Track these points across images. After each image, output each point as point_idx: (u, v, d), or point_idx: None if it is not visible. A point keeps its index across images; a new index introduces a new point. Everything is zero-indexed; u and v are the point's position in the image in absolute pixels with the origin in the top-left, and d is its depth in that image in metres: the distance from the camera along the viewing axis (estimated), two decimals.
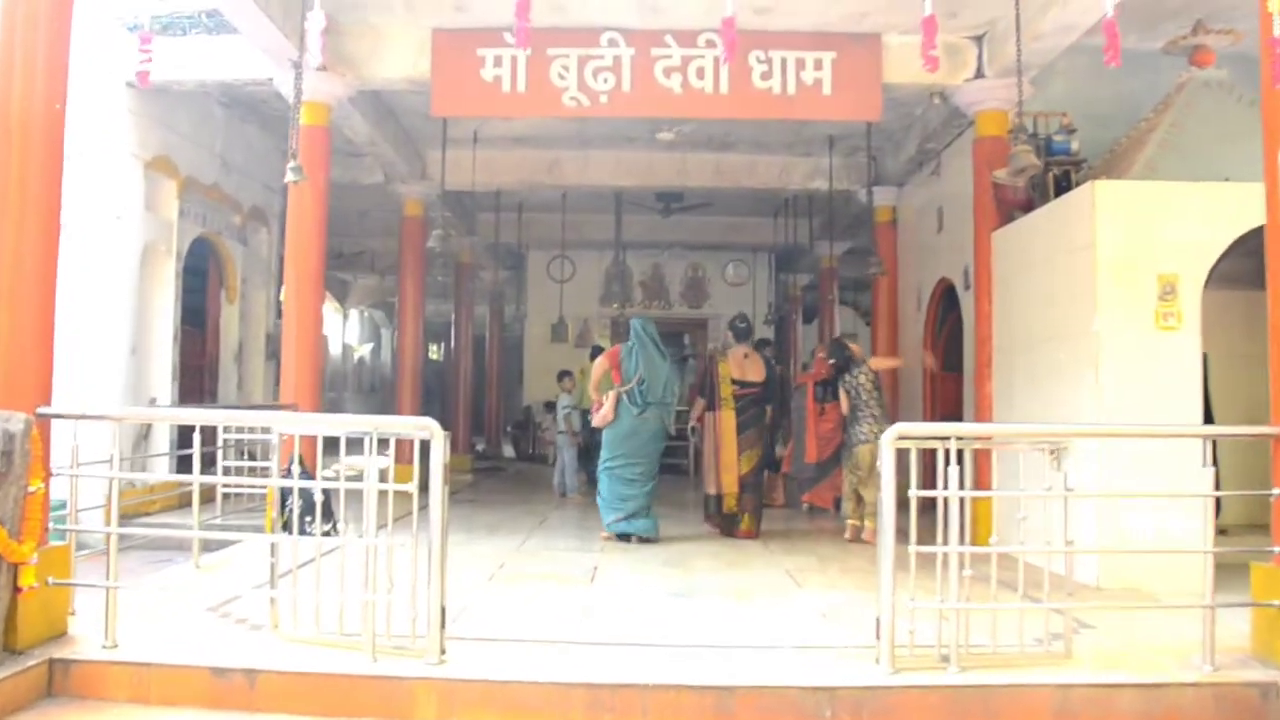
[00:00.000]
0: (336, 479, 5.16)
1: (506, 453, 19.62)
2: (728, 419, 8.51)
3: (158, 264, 9.41)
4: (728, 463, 8.48)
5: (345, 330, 25.84)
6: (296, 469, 7.82)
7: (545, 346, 19.25)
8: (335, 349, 25.57)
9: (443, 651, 4.34)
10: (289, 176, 6.91)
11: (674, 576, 6.73)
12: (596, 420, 8.53)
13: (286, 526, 8.02)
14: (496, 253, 16.85)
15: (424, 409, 21.11)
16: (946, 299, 10.85)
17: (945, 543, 4.50)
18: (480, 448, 19.18)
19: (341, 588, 4.63)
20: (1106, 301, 6.42)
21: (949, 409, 10.93)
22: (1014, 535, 4.83)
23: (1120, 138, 7.79)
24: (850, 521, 8.62)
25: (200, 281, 11.27)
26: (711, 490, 8.64)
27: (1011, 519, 5.05)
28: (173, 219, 9.60)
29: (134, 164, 9.03)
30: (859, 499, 8.57)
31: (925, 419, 11.03)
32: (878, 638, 4.38)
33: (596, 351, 9.31)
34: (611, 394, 8.29)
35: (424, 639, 4.35)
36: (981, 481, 5.06)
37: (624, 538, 8.22)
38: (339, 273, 22.46)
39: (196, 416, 7.35)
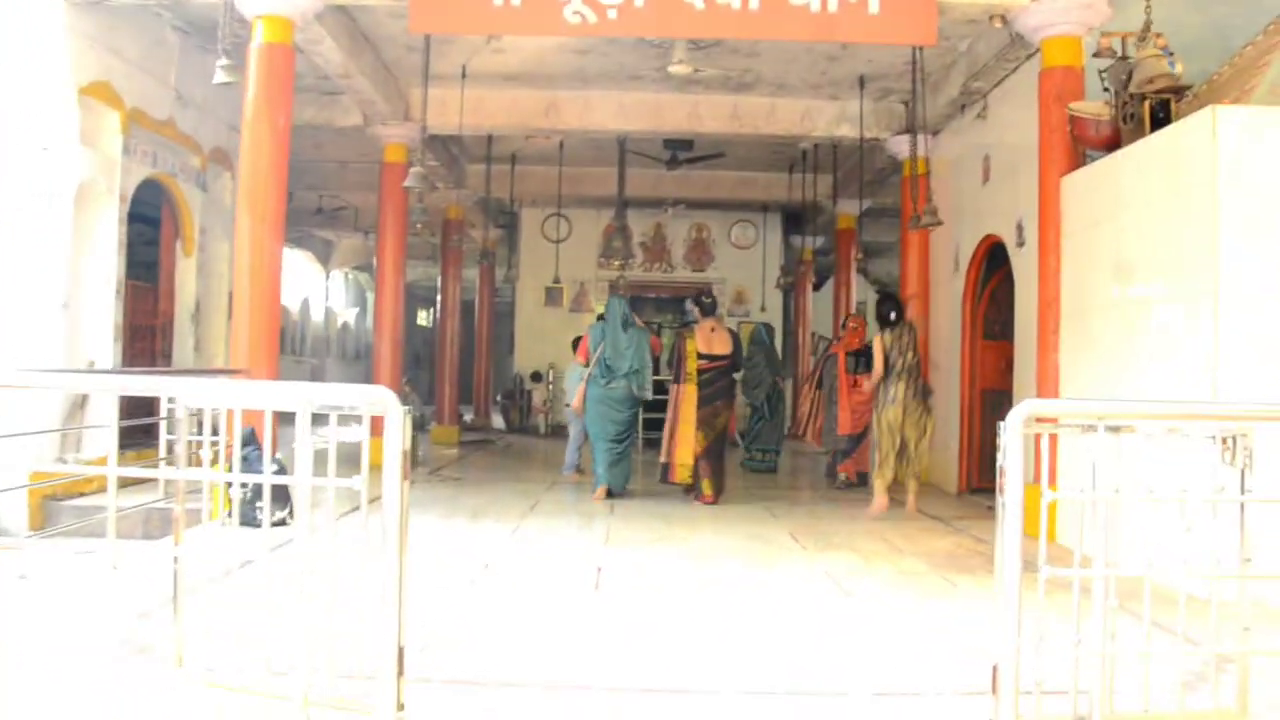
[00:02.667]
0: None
1: (496, 424, 18.48)
2: (689, 393, 8.91)
3: (96, 206, 8.17)
4: (684, 435, 8.89)
5: (328, 293, 24.58)
6: (237, 449, 6.68)
7: (539, 311, 18.08)
8: (317, 313, 24.34)
9: (400, 707, 3.18)
10: (218, 77, 5.70)
11: (696, 579, 5.59)
12: (574, 404, 9.61)
13: (231, 515, 6.92)
14: (487, 208, 15.62)
15: (412, 377, 20.00)
16: (990, 259, 9.68)
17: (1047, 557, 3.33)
18: (468, 419, 18.03)
19: (275, 606, 3.46)
20: (1230, 253, 5.26)
21: (990, 381, 9.81)
22: (1101, 544, 3.67)
23: (1213, 69, 6.62)
24: (878, 497, 8.30)
25: (154, 231, 10.05)
26: (663, 458, 9.07)
27: (1071, 521, 3.88)
28: (115, 155, 8.34)
29: (66, 88, 7.78)
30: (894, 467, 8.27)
31: (963, 393, 9.90)
32: (994, 691, 3.24)
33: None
34: (580, 383, 9.37)
35: (377, 681, 3.19)
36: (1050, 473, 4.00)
37: (612, 495, 8.95)
38: (319, 231, 21.22)
39: (84, 383, 6.17)
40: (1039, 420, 3.41)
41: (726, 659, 4.08)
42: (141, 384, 5.35)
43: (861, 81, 10.40)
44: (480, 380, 18.73)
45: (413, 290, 28.52)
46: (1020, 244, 8.49)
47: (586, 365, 9.81)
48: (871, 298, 20.39)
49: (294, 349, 22.81)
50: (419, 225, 9.92)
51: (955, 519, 8.14)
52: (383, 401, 3.20)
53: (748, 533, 7.26)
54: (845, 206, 14.60)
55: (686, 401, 8.91)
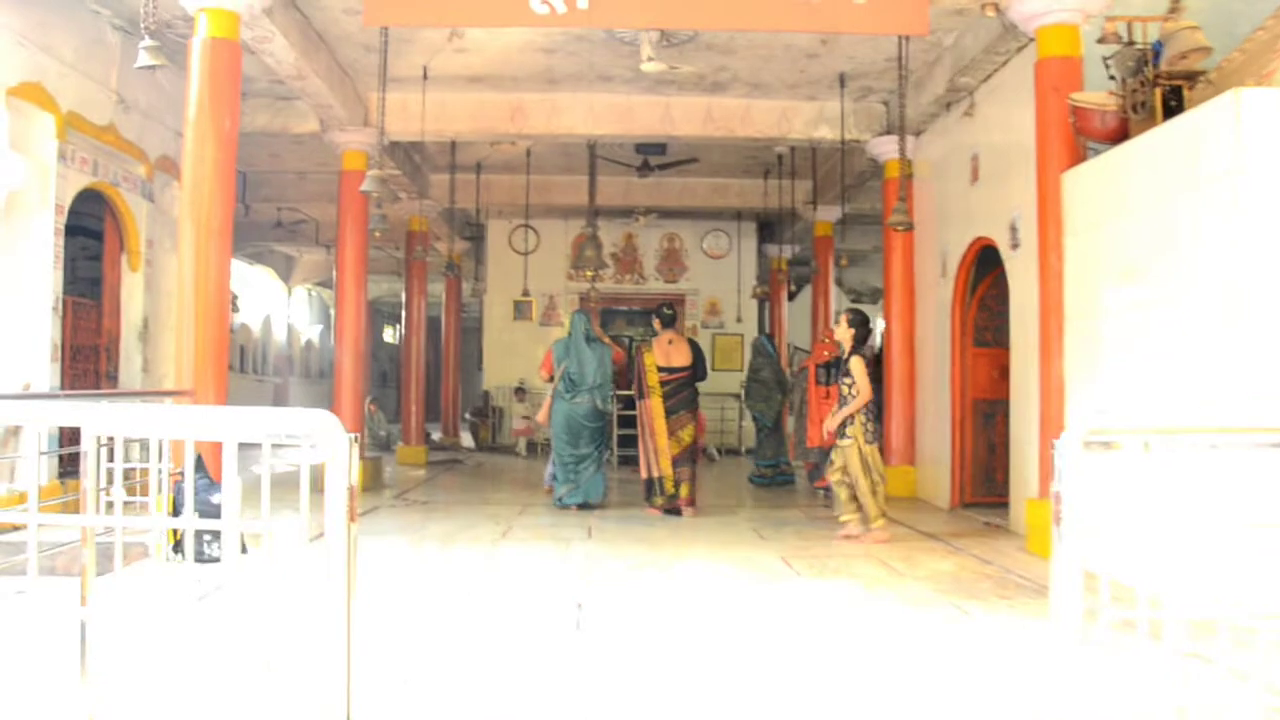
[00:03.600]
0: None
1: (466, 442, 17.90)
2: (656, 406, 9.01)
3: (28, 216, 7.58)
4: (660, 447, 8.96)
5: (290, 310, 23.92)
6: (189, 478, 6.18)
7: (507, 325, 17.58)
8: (280, 331, 23.66)
9: None
10: (141, 59, 5.16)
11: (685, 615, 5.08)
12: (540, 417, 9.89)
13: (179, 549, 6.36)
14: (451, 219, 15.07)
15: (377, 396, 19.39)
16: (980, 262, 9.27)
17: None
18: (436, 437, 17.45)
19: (200, 667, 2.94)
20: (1254, 247, 4.84)
21: (982, 390, 9.39)
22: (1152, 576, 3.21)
23: (1223, 54, 6.23)
24: (844, 519, 7.65)
25: (98, 245, 9.47)
26: (653, 474, 9.02)
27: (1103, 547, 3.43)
28: (50, 162, 7.76)
29: None
30: (852, 497, 7.58)
31: (954, 403, 9.47)
32: None
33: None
34: (547, 397, 9.55)
35: None
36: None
37: (583, 508, 9.13)
38: (280, 246, 20.61)
39: None
40: (1101, 436, 2.91)
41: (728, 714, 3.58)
42: (49, 410, 4.75)
43: (842, 80, 9.98)
44: (448, 397, 18.16)
45: (378, 306, 27.98)
46: (1015, 246, 8.07)
47: (550, 380, 9.68)
48: (849, 307, 20.04)
49: (255, 368, 22.14)
50: (377, 233, 9.34)
51: (952, 536, 7.69)
52: (323, 429, 2.66)
53: (737, 557, 6.77)
54: (822, 213, 14.19)
55: (656, 415, 9.02)
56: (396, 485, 11.22)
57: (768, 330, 18.21)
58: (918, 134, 10.38)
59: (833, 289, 15.11)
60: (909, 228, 8.39)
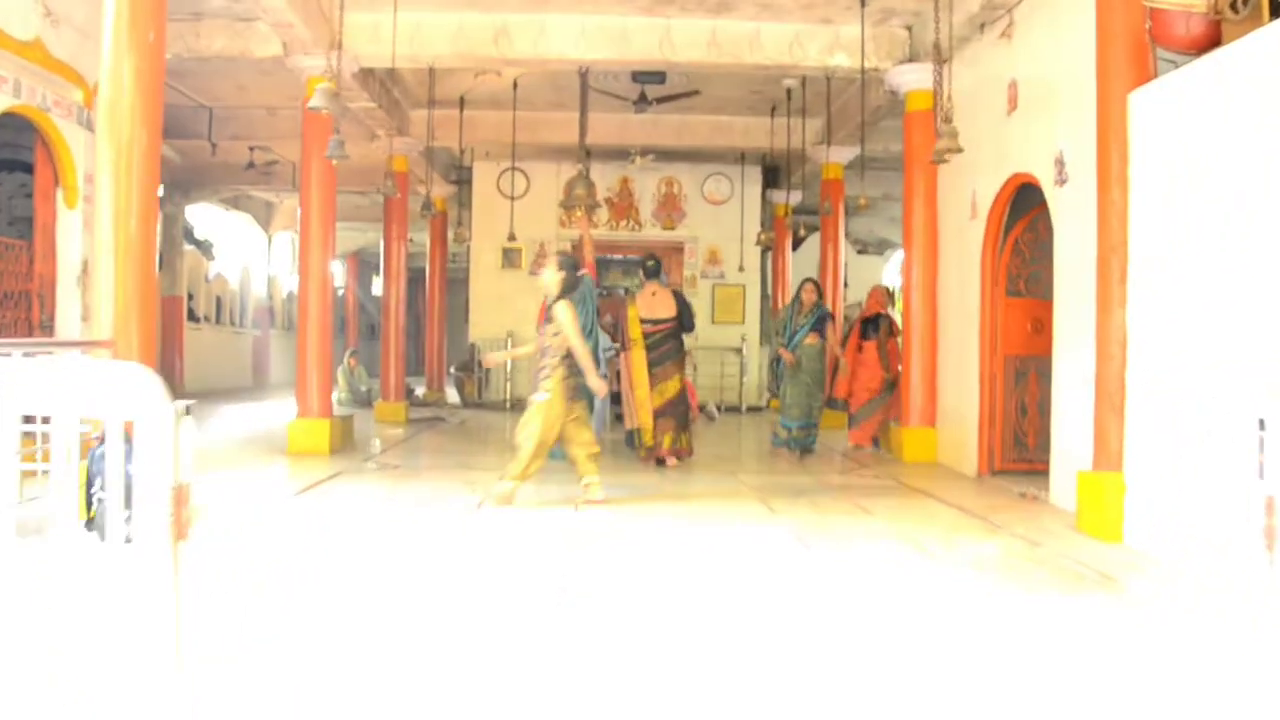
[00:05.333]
0: None
1: (451, 398, 16.99)
2: (638, 358, 9.02)
3: None
4: (641, 399, 8.99)
5: (270, 259, 22.86)
6: (116, 445, 5.27)
7: (495, 274, 16.61)
8: (260, 282, 22.63)
9: None
10: None
11: (688, 611, 4.18)
12: None
13: (94, 526, 5.45)
14: (432, 159, 14.02)
15: (358, 350, 18.44)
16: (1017, 202, 8.30)
17: None
18: (419, 392, 16.54)
19: None
20: None
21: (1015, 346, 8.46)
22: None
23: None
24: (587, 482, 7.02)
25: (23, 178, 8.48)
26: (630, 425, 9.19)
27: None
28: None
29: None
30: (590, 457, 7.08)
31: (983, 359, 8.54)
32: None
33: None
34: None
35: None
36: None
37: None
38: (258, 191, 19.55)
39: None
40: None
41: None
42: None
43: (862, 0, 8.94)
44: (433, 351, 17.24)
45: (365, 257, 26.91)
46: (1061, 181, 7.10)
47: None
48: (855, 259, 19.06)
49: (233, 320, 21.14)
50: (334, 160, 8.26)
51: (987, 511, 6.79)
52: (133, 387, 1.71)
53: (743, 532, 5.88)
54: (834, 154, 13.15)
55: (637, 366, 9.04)
56: (368, 446, 10.31)
57: (770, 281, 17.25)
58: (943, 62, 9.34)
59: (842, 237, 14.06)
60: (951, 155, 7.33)
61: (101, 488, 5.28)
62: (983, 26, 8.45)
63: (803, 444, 9.89)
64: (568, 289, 6.81)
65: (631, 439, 9.23)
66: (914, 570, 5.05)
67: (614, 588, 4.61)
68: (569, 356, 6.73)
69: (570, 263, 7.02)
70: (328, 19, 9.23)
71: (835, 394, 10.51)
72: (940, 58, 7.61)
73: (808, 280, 10.05)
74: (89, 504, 5.33)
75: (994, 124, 8.29)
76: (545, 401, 6.70)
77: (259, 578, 4.73)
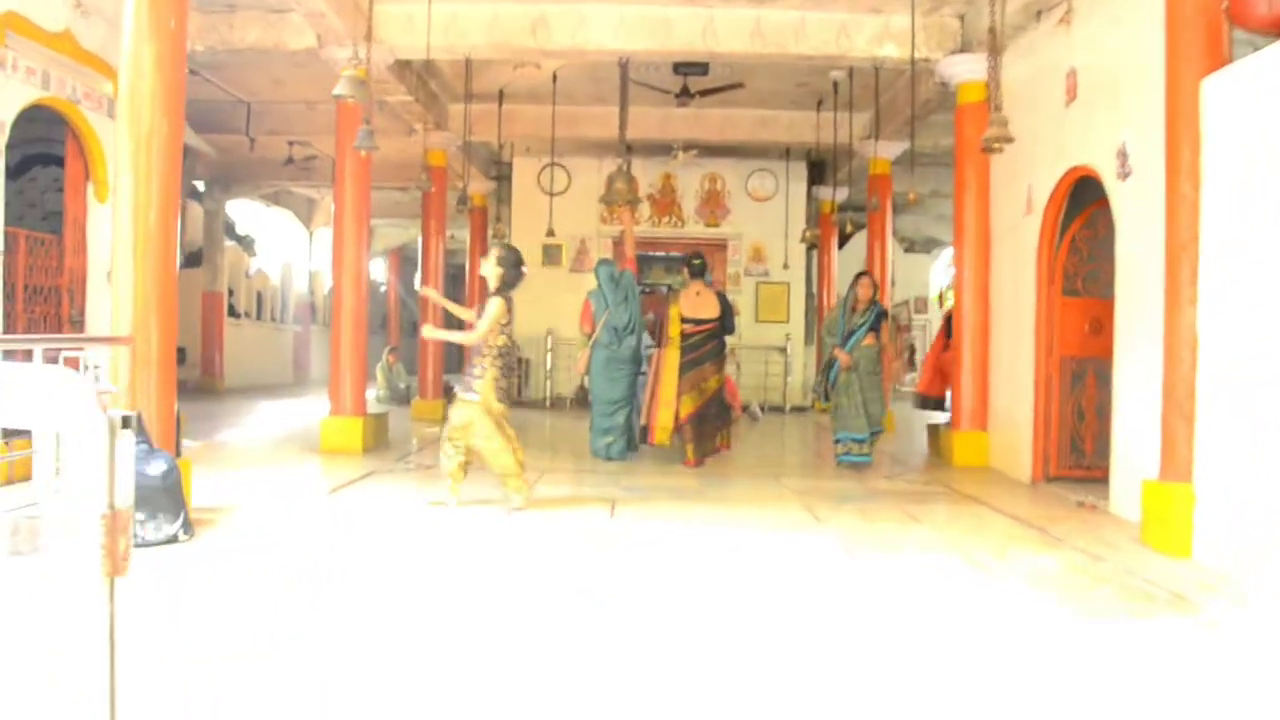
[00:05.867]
0: None
1: None
2: (671, 356, 8.76)
3: None
4: (665, 399, 8.70)
5: (312, 255, 22.81)
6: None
7: (535, 271, 16.27)
8: (301, 277, 22.60)
9: None
10: None
11: (731, 620, 3.90)
12: (579, 368, 9.64)
13: None
14: (471, 154, 13.82)
15: (396, 347, 18.30)
16: (1075, 197, 7.93)
17: None
18: (457, 390, 16.32)
19: None
20: None
21: (1072, 347, 8.09)
22: None
23: None
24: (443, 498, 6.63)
25: (60, 173, 8.34)
26: (643, 420, 8.97)
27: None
28: None
29: None
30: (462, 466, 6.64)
31: (1038, 361, 8.18)
32: None
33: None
34: (585, 348, 9.31)
35: None
36: None
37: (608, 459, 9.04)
38: (299, 187, 19.47)
39: None
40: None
41: None
42: None
43: None
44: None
45: (407, 253, 26.82)
46: (1125, 175, 6.73)
47: (591, 334, 9.27)
48: (902, 258, 18.64)
49: (274, 316, 21.11)
50: (363, 152, 7.98)
51: (1045, 521, 6.43)
52: (62, 396, 1.45)
53: (786, 540, 5.59)
54: (882, 149, 12.77)
55: (668, 365, 8.79)
56: (403, 445, 10.11)
57: (815, 279, 16.89)
58: (998, 52, 8.96)
59: (890, 235, 13.67)
60: (1002, 144, 6.96)
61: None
62: (1039, 14, 8.08)
63: (868, 458, 8.92)
64: (506, 285, 6.49)
65: (644, 434, 9.00)
66: (967, 586, 4.74)
67: (646, 596, 4.34)
68: (504, 355, 6.42)
69: (512, 258, 6.58)
70: (361, 9, 9.01)
71: (929, 392, 10.90)
72: (996, 45, 7.22)
73: (863, 274, 9.21)
74: None
75: (1051, 115, 7.91)
76: (482, 406, 6.37)
77: (288, 575, 4.53)
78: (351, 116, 8.89)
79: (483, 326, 6.32)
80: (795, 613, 4.23)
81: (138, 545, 5.01)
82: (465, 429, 6.42)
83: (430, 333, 7.04)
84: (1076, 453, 8.14)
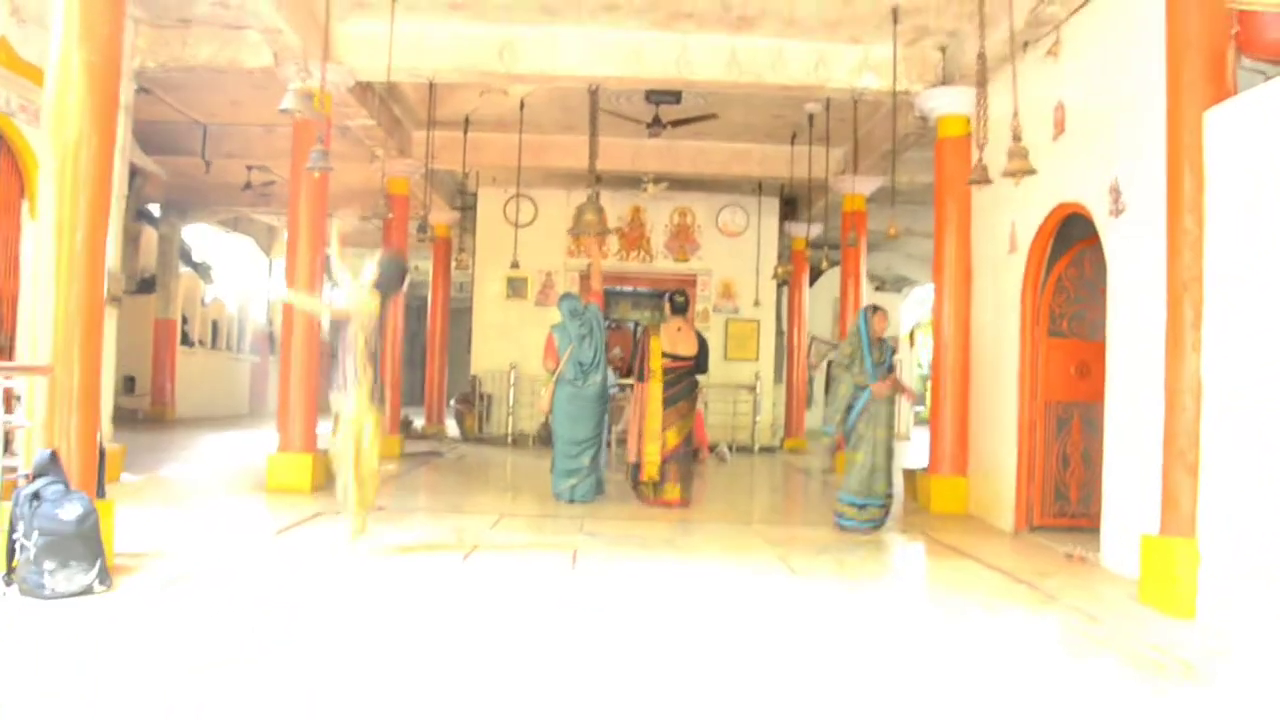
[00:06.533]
0: None
1: (451, 431, 16.30)
2: (655, 390, 8.58)
3: None
4: (651, 432, 8.54)
5: (273, 284, 22.24)
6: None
7: (499, 305, 15.96)
8: (260, 306, 22.03)
9: None
10: None
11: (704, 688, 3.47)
12: (542, 405, 9.43)
13: (11, 578, 4.75)
14: (435, 182, 13.42)
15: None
16: (1060, 235, 7.64)
17: None
18: (418, 425, 15.86)
19: None
20: None
21: (1057, 391, 7.77)
22: None
23: None
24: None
25: None
26: (632, 458, 8.73)
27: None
28: None
29: None
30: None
31: (1022, 405, 7.84)
32: None
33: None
34: (549, 385, 9.03)
35: None
36: None
37: (571, 502, 8.67)
38: (260, 214, 18.98)
39: None
40: None
41: None
42: None
43: (895, 16, 8.32)
44: (433, 382, 16.57)
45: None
46: (1118, 212, 6.42)
47: (554, 370, 8.90)
48: (872, 296, 18.41)
49: (230, 345, 20.52)
50: (315, 173, 7.53)
51: (1033, 575, 6.05)
52: None
53: (753, 591, 5.17)
54: (859, 184, 12.49)
55: (653, 398, 8.58)
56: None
57: (784, 317, 16.56)
58: (980, 84, 8.69)
59: (864, 272, 13.35)
60: (1022, 176, 6.60)
61: (25, 534, 4.62)
62: (1025, 45, 7.79)
63: (882, 522, 7.76)
64: (381, 284, 6.14)
65: (635, 473, 8.70)
66: (960, 652, 4.34)
67: (606, 663, 3.90)
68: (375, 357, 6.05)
69: (392, 263, 6.36)
70: (320, 27, 8.60)
71: None
72: (984, 77, 6.94)
73: (876, 308, 8.06)
74: (10, 552, 4.68)
75: (1038, 150, 7.53)
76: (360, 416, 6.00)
77: (211, 635, 4.05)
78: (308, 137, 8.45)
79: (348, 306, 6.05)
80: (773, 684, 3.81)
81: (46, 598, 4.53)
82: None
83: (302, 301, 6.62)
84: (1061, 500, 7.80)
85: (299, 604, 4.78)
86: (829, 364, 8.29)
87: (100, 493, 5.34)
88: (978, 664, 4.17)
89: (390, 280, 6.20)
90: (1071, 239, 7.64)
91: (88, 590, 4.63)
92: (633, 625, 4.63)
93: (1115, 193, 6.45)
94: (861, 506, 7.63)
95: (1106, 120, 6.64)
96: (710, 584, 5.64)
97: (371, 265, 6.19)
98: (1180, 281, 5.25)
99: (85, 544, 4.67)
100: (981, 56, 6.79)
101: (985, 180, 6.74)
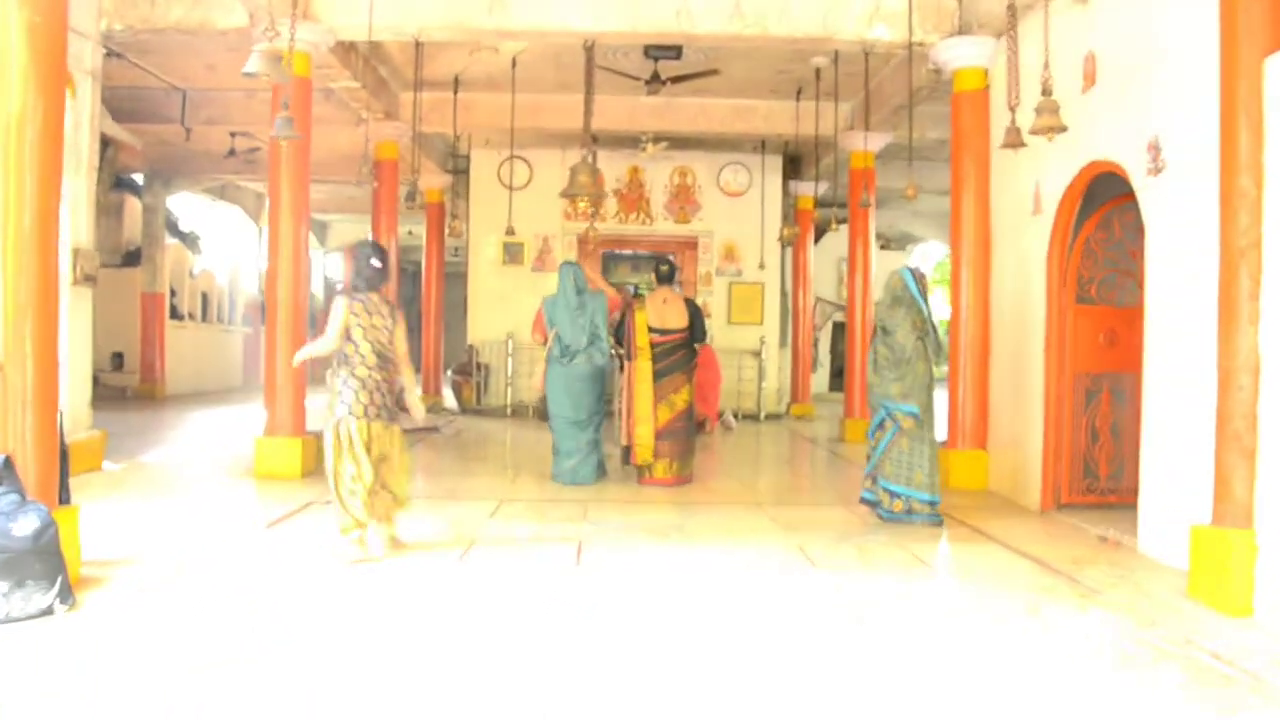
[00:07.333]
0: None
1: (449, 403, 15.88)
2: (642, 369, 8.21)
3: None
4: (641, 414, 8.18)
5: (263, 252, 21.72)
6: None
7: (496, 271, 15.49)
8: (251, 277, 21.53)
9: None
10: None
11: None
12: (535, 384, 9.45)
13: None
14: (424, 146, 12.92)
15: None
16: (1091, 195, 7.17)
17: None
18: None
19: None
20: None
21: (1087, 362, 7.33)
22: None
23: None
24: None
25: None
26: (624, 441, 8.33)
27: None
28: None
29: None
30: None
31: (1049, 376, 7.41)
32: None
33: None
34: (540, 365, 8.63)
35: None
36: None
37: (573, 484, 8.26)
38: (247, 181, 18.47)
39: None
40: None
41: None
42: None
43: None
44: (429, 352, 16.13)
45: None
46: (1157, 170, 5.95)
47: (544, 343, 8.43)
48: (876, 254, 17.99)
49: (220, 317, 20.05)
50: (282, 141, 7.05)
51: (1069, 564, 5.64)
52: None
53: (773, 590, 4.76)
54: (860, 142, 11.96)
55: (641, 378, 8.20)
56: None
57: (789, 279, 16.09)
58: (999, 36, 8.19)
59: (872, 231, 12.86)
60: (1053, 134, 6.12)
61: None
62: None
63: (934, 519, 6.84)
64: (356, 283, 5.60)
65: (626, 455, 8.35)
66: (1003, 660, 3.93)
67: (619, 681, 3.50)
68: (349, 362, 5.46)
69: (363, 252, 5.70)
70: None
71: None
72: (1014, 27, 6.44)
73: (916, 269, 7.19)
74: None
75: (1065, 104, 6.98)
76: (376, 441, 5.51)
77: (185, 661, 3.63)
78: (291, 104, 7.93)
79: (329, 332, 5.43)
80: (799, 697, 3.40)
81: (1, 623, 4.11)
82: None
83: (299, 357, 5.91)
84: (1090, 476, 7.39)
85: (284, 616, 4.36)
86: (873, 337, 7.19)
87: (63, 498, 4.92)
88: (1023, 676, 3.77)
89: (366, 274, 5.62)
90: (1098, 199, 7.17)
91: (48, 612, 4.21)
92: (644, 632, 4.22)
93: (1154, 150, 5.97)
94: (927, 501, 6.80)
95: (1143, 70, 6.15)
96: (726, 580, 5.23)
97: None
98: (1235, 248, 4.79)
99: (43, 560, 4.25)
100: (1011, 6, 6.26)
101: (1019, 143, 6.24)
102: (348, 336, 5.44)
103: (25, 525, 4.26)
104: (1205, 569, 4.91)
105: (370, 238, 5.86)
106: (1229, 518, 4.80)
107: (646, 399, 8.17)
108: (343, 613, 4.49)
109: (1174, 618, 4.62)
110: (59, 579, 4.30)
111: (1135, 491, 6.23)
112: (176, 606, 4.48)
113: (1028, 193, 7.74)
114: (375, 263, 5.63)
